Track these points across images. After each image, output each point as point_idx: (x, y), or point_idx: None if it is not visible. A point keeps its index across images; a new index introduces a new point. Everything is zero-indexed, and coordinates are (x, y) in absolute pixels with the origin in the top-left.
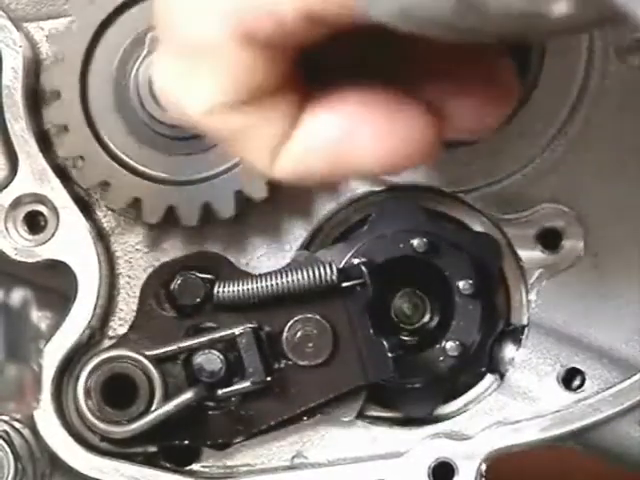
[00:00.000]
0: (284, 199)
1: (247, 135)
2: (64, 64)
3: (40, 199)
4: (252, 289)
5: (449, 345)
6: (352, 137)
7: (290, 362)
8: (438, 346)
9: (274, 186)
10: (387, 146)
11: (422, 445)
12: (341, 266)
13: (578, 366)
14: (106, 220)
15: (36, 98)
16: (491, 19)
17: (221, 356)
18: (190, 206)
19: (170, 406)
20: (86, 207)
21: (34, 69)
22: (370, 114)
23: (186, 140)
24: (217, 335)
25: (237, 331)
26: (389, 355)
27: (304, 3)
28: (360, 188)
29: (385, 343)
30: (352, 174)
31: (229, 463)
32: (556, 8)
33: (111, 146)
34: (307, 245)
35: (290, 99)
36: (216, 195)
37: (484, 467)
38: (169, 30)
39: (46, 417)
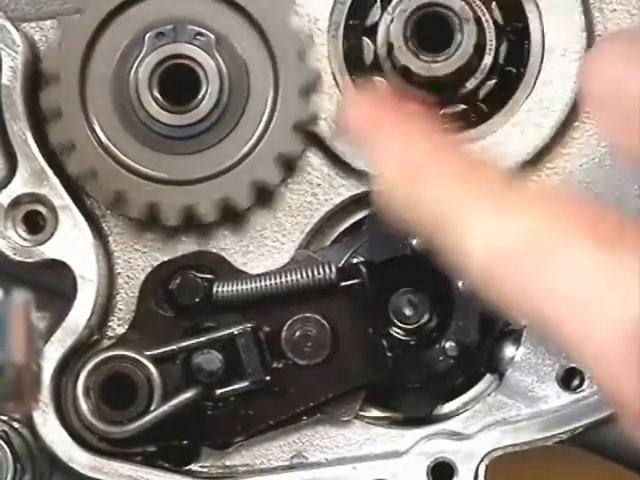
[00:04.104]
0: (282, 200)
1: None
2: (66, 51)
3: (39, 199)
4: (251, 289)
5: (448, 345)
6: None
7: (289, 362)
8: (437, 346)
9: (272, 187)
10: None
11: (421, 445)
12: (340, 266)
13: (577, 366)
14: (105, 220)
15: (35, 97)
16: None
17: (220, 356)
18: (172, 206)
19: (169, 406)
20: (84, 206)
21: (33, 69)
22: None
23: (180, 140)
24: (216, 335)
25: (236, 331)
26: (388, 355)
27: None
28: (359, 188)
29: (384, 343)
30: None
31: (228, 463)
32: None
33: (103, 137)
34: (306, 245)
35: None
36: (200, 199)
37: (483, 467)
38: None
39: (45, 417)
